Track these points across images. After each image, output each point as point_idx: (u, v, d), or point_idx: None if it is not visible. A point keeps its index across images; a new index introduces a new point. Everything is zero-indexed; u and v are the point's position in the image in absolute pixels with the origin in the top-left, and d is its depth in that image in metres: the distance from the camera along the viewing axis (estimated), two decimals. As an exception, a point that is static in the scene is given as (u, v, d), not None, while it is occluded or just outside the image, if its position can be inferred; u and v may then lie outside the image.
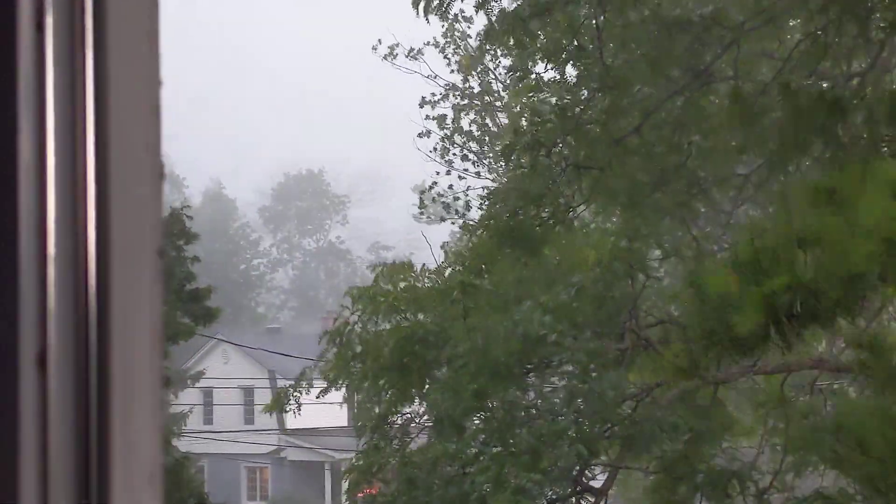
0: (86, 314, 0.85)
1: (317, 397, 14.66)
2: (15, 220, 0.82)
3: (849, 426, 5.71)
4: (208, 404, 48.08)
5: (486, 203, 13.51)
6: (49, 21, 0.85)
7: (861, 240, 4.32)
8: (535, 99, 13.71)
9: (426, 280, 14.02)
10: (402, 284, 13.81)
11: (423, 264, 14.80)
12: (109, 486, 0.85)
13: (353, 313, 13.88)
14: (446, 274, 14.33)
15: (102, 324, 0.85)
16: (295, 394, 15.42)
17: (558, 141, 11.35)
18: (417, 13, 12.77)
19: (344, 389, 14.01)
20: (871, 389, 5.26)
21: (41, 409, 0.82)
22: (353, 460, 13.27)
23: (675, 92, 10.54)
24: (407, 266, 14.21)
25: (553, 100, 12.67)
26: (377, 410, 12.71)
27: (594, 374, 11.42)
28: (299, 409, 15.76)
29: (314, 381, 15.10)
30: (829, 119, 8.56)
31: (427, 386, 11.94)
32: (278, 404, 15.84)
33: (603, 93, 11.02)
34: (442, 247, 21.90)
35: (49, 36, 0.85)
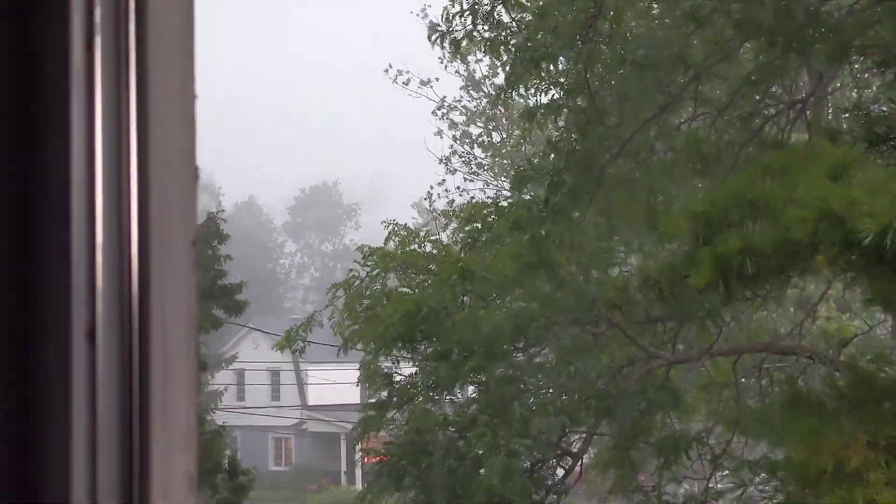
0: (129, 294, 0.85)
1: (336, 355, 14.64)
2: (68, 214, 0.82)
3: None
4: (241, 384, 48.14)
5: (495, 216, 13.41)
6: (98, 41, 0.85)
7: (799, 211, 4.30)
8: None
9: (429, 245, 14.12)
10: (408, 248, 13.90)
11: (426, 230, 14.85)
12: (150, 445, 0.84)
13: (363, 266, 13.91)
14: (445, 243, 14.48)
15: (143, 302, 0.85)
16: (301, 333, 15.26)
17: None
18: (432, 45, 12.45)
19: (359, 369, 13.91)
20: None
21: (90, 375, 0.83)
22: (362, 412, 13.23)
23: (646, 121, 10.59)
24: (413, 233, 14.23)
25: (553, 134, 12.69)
26: (383, 370, 12.68)
27: (574, 356, 11.46)
28: (304, 350, 15.66)
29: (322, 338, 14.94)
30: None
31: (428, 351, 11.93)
32: (289, 341, 15.64)
33: (587, 130, 11.09)
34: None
35: (98, 55, 0.85)
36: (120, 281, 0.84)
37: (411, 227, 15.64)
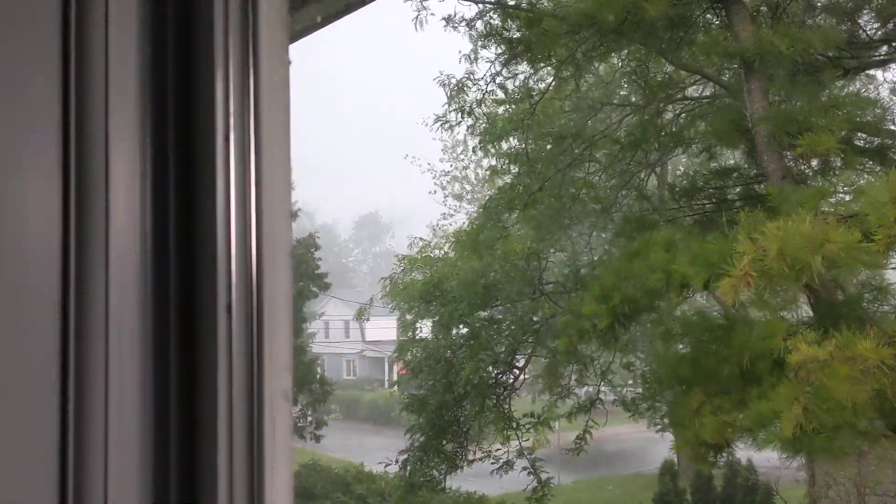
0: (251, 284, 0.84)
1: (391, 316, 14.95)
2: (215, 236, 0.82)
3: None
4: (326, 329, 48.25)
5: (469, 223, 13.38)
6: (232, 136, 0.84)
7: (652, 273, 4.30)
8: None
9: (436, 251, 14.14)
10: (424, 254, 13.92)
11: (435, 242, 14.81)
12: (263, 373, 0.84)
13: (399, 268, 13.98)
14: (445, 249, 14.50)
15: (259, 290, 0.84)
16: (369, 308, 15.35)
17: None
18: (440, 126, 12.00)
19: (397, 312, 13.98)
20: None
21: (228, 337, 0.82)
22: (397, 348, 13.28)
23: (559, 170, 10.57)
24: (424, 247, 14.20)
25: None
26: (410, 317, 12.71)
27: (520, 309, 11.52)
28: (368, 320, 15.86)
29: (377, 305, 14.96)
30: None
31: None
32: (360, 314, 15.81)
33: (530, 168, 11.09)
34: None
35: (232, 145, 0.84)
36: (246, 276, 0.83)
37: (426, 239, 15.70)
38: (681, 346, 5.17)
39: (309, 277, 19.17)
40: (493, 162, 12.43)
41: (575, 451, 11.94)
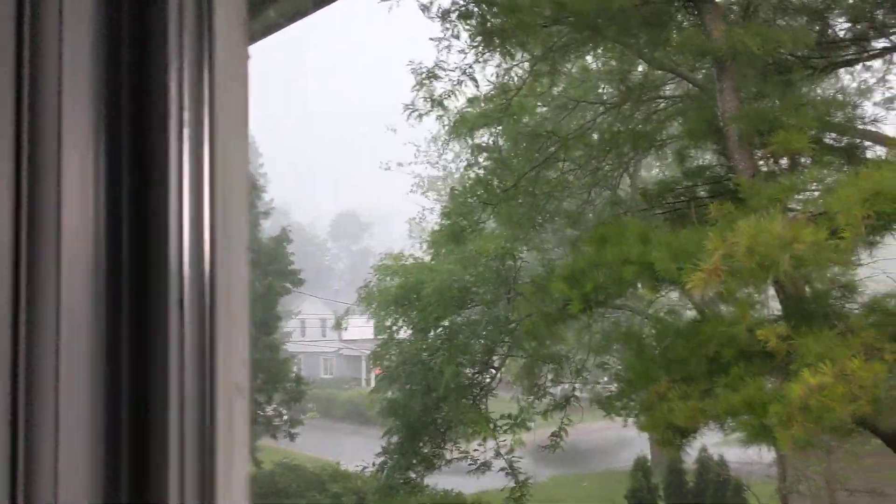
0: (204, 276, 0.83)
1: (366, 320, 14.75)
2: (167, 227, 0.82)
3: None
4: (302, 328, 48.09)
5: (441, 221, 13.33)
6: (186, 131, 0.84)
7: (626, 264, 4.32)
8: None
9: (410, 259, 14.00)
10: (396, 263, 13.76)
11: (402, 251, 14.70)
12: (216, 369, 0.83)
13: (374, 276, 13.86)
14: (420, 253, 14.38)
15: (213, 282, 0.83)
16: (346, 318, 15.28)
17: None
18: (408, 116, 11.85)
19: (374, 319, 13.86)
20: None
21: (180, 331, 0.81)
22: (375, 348, 13.19)
23: (533, 167, 10.60)
24: (399, 255, 14.07)
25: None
26: (388, 324, 12.62)
27: (496, 309, 11.51)
28: (347, 329, 15.75)
29: (355, 313, 14.90)
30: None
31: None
32: (338, 324, 15.72)
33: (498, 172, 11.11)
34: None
35: (186, 140, 0.84)
36: (199, 270, 0.82)
37: (396, 251, 15.37)
38: (654, 345, 5.19)
39: (282, 274, 18.97)
40: (466, 153, 12.35)
41: (551, 448, 11.98)
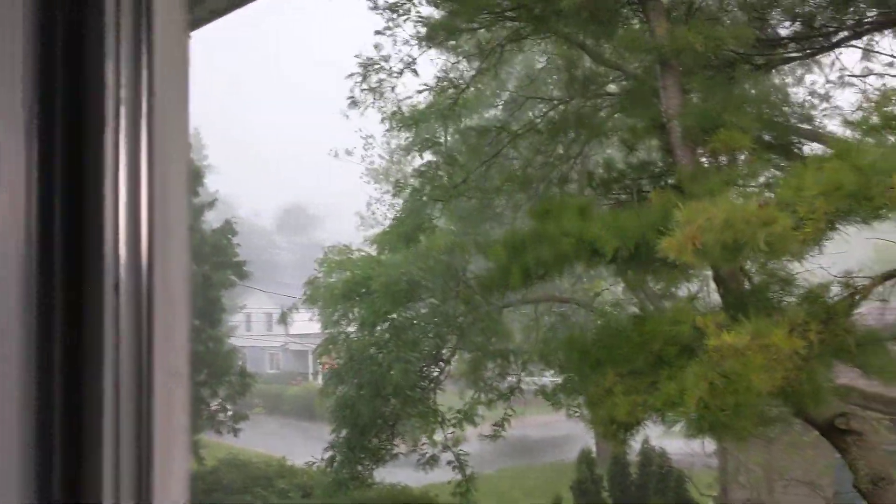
0: (140, 260, 0.82)
1: (309, 319, 14.57)
2: (102, 210, 0.79)
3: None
4: (248, 321, 47.60)
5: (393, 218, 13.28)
6: (123, 110, 0.82)
7: (564, 237, 4.35)
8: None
9: (357, 253, 13.87)
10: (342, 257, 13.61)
11: (349, 244, 14.55)
12: (153, 350, 0.82)
13: (320, 271, 13.70)
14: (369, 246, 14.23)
15: (150, 266, 0.82)
16: (292, 313, 15.10)
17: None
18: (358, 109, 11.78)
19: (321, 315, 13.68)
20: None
21: (116, 315, 0.79)
22: (322, 343, 13.05)
23: (483, 162, 10.64)
24: (345, 248, 13.96)
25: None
26: (334, 318, 12.51)
27: (444, 304, 11.51)
28: (292, 325, 15.57)
29: (301, 308, 14.71)
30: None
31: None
32: (283, 318, 15.48)
33: (450, 162, 11.11)
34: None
35: (122, 119, 0.82)
36: (136, 254, 0.81)
37: (343, 244, 15.11)
38: (597, 340, 5.22)
39: (227, 266, 18.67)
40: (414, 148, 12.29)
41: (493, 437, 12.07)
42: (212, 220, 20.16)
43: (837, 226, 3.58)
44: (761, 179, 4.43)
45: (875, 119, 4.13)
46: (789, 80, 12.52)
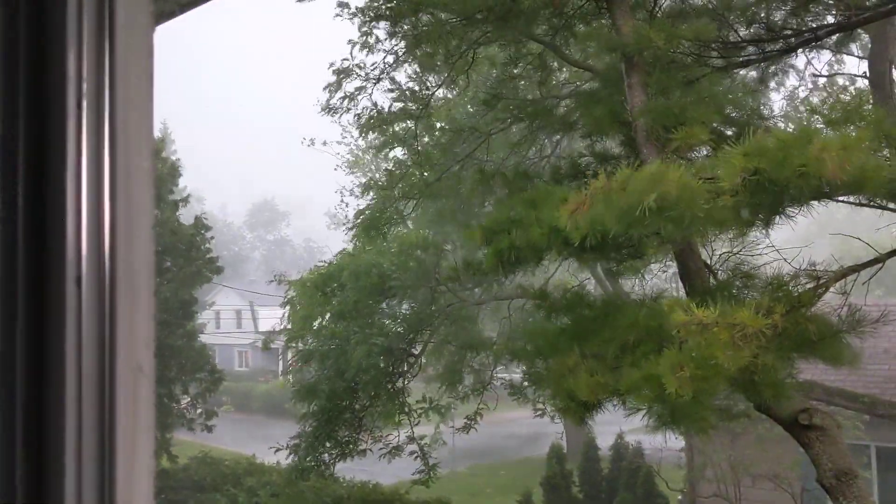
0: (103, 253, 0.80)
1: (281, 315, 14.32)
2: (64, 205, 0.78)
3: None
4: (217, 318, 47.13)
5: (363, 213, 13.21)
6: (85, 102, 0.81)
7: (539, 227, 4.38)
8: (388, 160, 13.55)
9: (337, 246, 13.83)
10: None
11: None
12: (116, 345, 0.81)
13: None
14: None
15: (112, 259, 0.81)
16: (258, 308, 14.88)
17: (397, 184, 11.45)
18: (325, 113, 11.75)
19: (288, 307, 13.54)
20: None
21: (78, 309, 0.78)
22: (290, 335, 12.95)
23: (458, 161, 10.65)
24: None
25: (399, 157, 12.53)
26: (303, 315, 12.44)
27: (417, 300, 11.53)
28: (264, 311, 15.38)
29: (270, 298, 14.46)
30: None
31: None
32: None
33: (420, 164, 11.12)
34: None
35: (84, 111, 0.81)
36: (98, 247, 0.80)
37: (315, 241, 14.88)
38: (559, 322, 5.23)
39: (201, 261, 18.64)
40: (387, 146, 12.26)
41: (464, 429, 12.11)
42: (182, 216, 20.01)
43: (763, 195, 3.64)
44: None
45: (832, 112, 4.22)
46: (758, 78, 12.71)
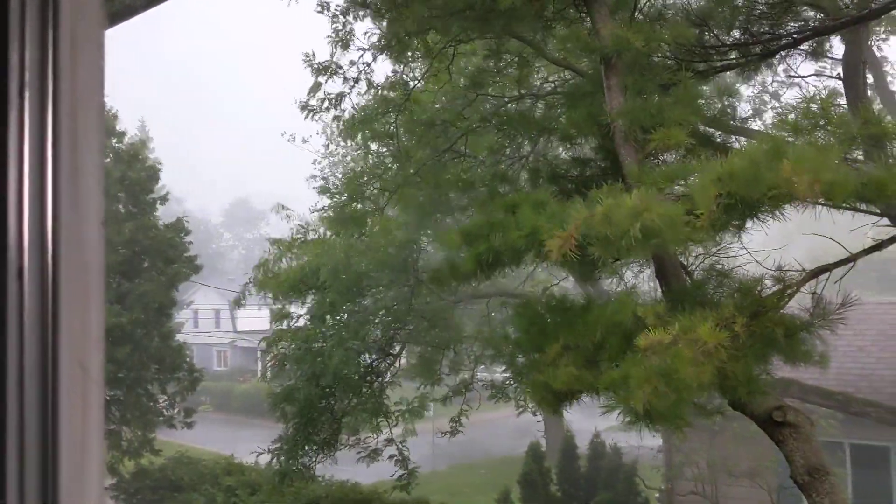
0: (46, 247, 0.79)
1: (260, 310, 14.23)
2: (5, 198, 0.76)
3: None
4: (196, 318, 46.87)
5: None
6: (27, 93, 0.79)
7: (517, 230, 4.39)
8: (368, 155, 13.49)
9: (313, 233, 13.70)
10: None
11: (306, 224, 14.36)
12: (60, 342, 0.79)
13: (271, 254, 13.46)
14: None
15: (56, 254, 0.79)
16: (244, 297, 14.75)
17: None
18: (305, 116, 11.72)
19: (271, 301, 13.43)
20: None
21: (20, 304, 0.77)
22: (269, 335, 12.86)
23: (436, 155, 10.63)
24: (300, 228, 13.72)
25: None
26: (283, 311, 12.36)
27: (395, 298, 11.48)
28: (244, 307, 15.23)
29: (249, 298, 14.35)
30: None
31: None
32: (237, 302, 15.03)
33: (398, 158, 11.10)
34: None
35: (27, 102, 0.79)
36: (41, 241, 0.78)
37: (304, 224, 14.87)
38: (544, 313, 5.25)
39: (180, 261, 18.57)
40: (367, 139, 12.22)
41: (450, 433, 12.09)
42: (161, 215, 19.88)
43: (736, 213, 3.69)
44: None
45: (801, 119, 4.26)
46: (737, 78, 12.80)
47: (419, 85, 10.69)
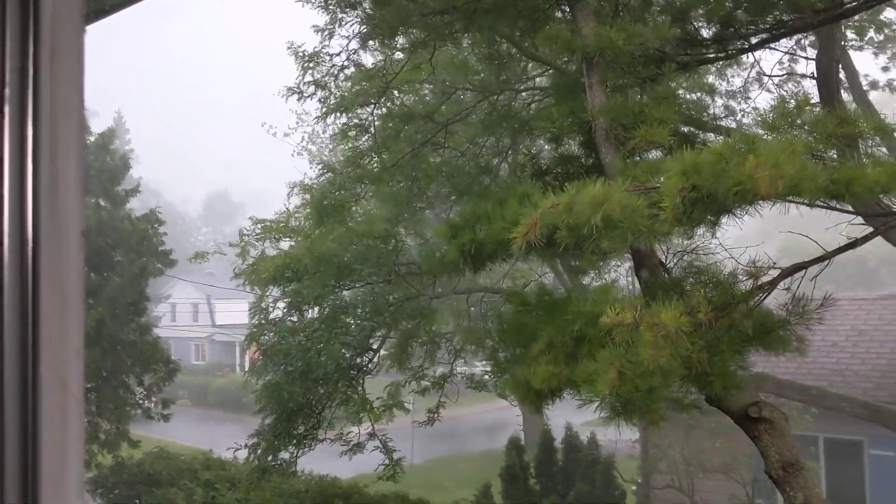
0: (26, 260, 0.78)
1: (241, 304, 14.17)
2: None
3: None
4: (173, 312, 46.54)
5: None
6: (6, 109, 0.78)
7: (502, 223, 4.42)
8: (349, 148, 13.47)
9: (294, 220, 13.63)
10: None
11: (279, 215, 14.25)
12: (40, 355, 0.79)
13: (248, 235, 13.38)
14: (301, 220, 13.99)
15: (36, 267, 0.79)
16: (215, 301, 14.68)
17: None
18: (298, 99, 11.59)
19: (249, 289, 13.36)
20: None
21: None
22: (249, 329, 12.78)
23: (413, 149, 10.63)
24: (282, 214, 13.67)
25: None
26: (263, 305, 12.30)
27: (375, 289, 11.45)
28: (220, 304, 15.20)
29: (227, 291, 14.27)
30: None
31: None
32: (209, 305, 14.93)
33: (376, 150, 11.11)
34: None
35: (6, 115, 0.78)
36: (21, 254, 0.78)
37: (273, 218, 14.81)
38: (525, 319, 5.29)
39: (152, 254, 18.36)
40: (343, 128, 12.16)
41: (428, 423, 12.09)
42: (137, 207, 19.68)
43: (703, 207, 3.74)
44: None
45: (777, 119, 4.30)
46: (712, 76, 12.88)
47: (398, 76, 10.66)
